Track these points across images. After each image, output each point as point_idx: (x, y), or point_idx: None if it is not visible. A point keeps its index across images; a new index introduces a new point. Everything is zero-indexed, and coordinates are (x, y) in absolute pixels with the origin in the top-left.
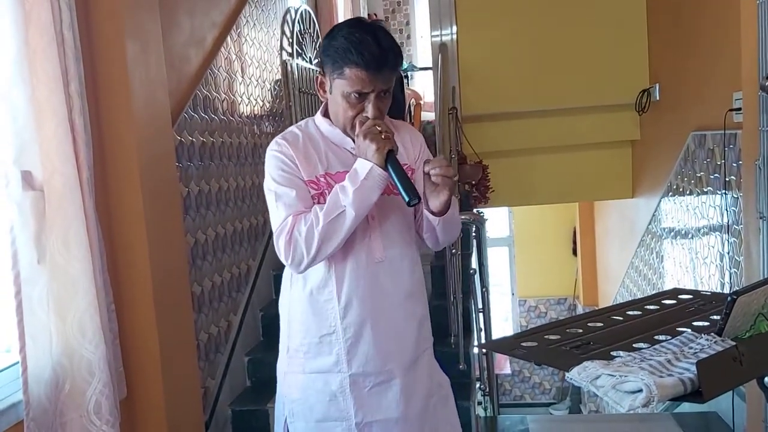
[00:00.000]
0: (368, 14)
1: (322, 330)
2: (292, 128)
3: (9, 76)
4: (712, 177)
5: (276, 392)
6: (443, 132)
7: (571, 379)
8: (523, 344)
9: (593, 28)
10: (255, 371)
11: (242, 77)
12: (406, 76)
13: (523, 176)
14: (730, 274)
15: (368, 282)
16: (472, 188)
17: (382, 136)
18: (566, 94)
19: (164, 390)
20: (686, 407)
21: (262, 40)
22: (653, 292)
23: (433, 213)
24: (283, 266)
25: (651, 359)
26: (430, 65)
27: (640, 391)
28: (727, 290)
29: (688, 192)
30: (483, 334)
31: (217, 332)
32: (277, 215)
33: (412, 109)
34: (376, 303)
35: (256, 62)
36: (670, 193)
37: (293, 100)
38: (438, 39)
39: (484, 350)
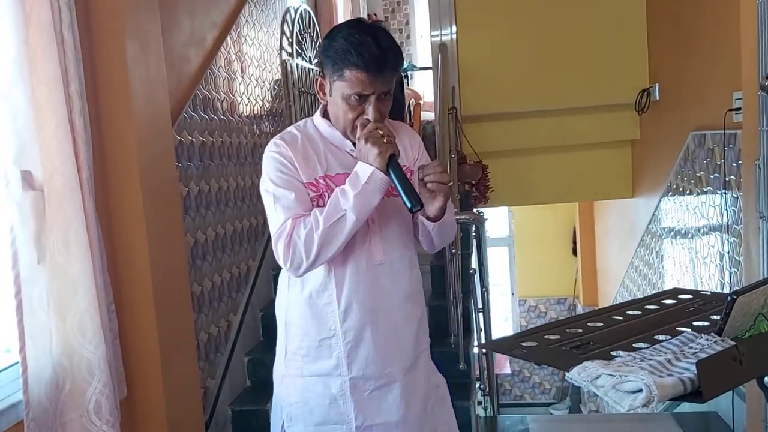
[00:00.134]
0: (368, 14)
1: (322, 333)
2: (291, 129)
3: (9, 76)
4: (711, 177)
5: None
6: (443, 132)
7: (571, 379)
8: (523, 344)
9: (593, 28)
10: (255, 371)
11: (242, 77)
12: (406, 76)
13: (523, 176)
14: (730, 274)
15: (368, 285)
16: (472, 188)
17: (384, 140)
18: (566, 94)
19: (164, 390)
20: (686, 407)
21: (261, 39)
22: (653, 292)
23: (428, 218)
24: None
25: (651, 359)
26: (430, 65)
27: (640, 390)
28: (727, 290)
29: (688, 192)
30: (483, 334)
31: (217, 332)
32: (276, 218)
33: (411, 109)
34: (376, 306)
35: (256, 62)
36: (670, 193)
37: (293, 99)
38: (438, 39)
39: (484, 350)
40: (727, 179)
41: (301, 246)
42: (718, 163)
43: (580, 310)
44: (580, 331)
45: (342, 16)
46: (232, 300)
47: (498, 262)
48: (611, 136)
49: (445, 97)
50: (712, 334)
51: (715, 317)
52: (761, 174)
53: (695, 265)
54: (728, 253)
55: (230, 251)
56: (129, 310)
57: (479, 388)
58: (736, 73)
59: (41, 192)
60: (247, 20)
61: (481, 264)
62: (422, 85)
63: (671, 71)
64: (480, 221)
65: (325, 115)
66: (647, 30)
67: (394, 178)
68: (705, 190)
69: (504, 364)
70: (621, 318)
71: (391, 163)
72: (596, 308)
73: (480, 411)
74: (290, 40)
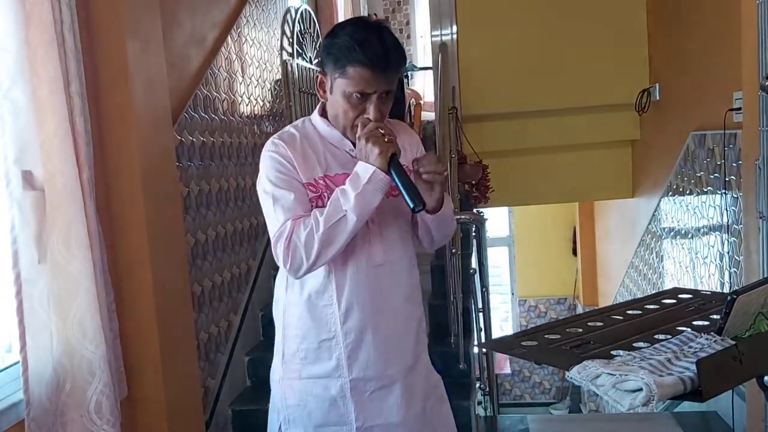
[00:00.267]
0: (368, 14)
1: (322, 335)
2: (289, 128)
3: (10, 75)
4: (712, 177)
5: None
6: (443, 132)
7: (571, 378)
8: (524, 343)
9: (593, 27)
10: (255, 371)
11: (242, 77)
12: (406, 76)
13: (523, 176)
14: (730, 274)
15: (369, 286)
16: (472, 188)
17: (385, 140)
18: (566, 94)
19: (165, 390)
20: (686, 407)
21: (262, 39)
22: (653, 292)
23: (427, 211)
24: None
25: (651, 358)
26: (430, 65)
27: (640, 390)
28: (726, 290)
29: (688, 192)
30: (483, 333)
31: (217, 332)
32: (275, 219)
33: (412, 108)
34: (376, 307)
35: (257, 62)
36: (670, 193)
37: (293, 99)
38: (438, 39)
39: (484, 350)
40: (727, 179)
41: (302, 247)
42: (718, 163)
43: (580, 310)
44: (581, 330)
45: (343, 16)
46: (232, 300)
47: (498, 262)
48: (611, 136)
49: (445, 97)
50: (712, 333)
51: (715, 316)
52: (761, 174)
53: (695, 265)
54: (728, 253)
55: (230, 251)
56: (129, 309)
57: (479, 387)
58: (737, 73)
59: (42, 192)
60: (247, 20)
61: (481, 264)
62: (422, 85)
63: (671, 71)
64: (480, 221)
65: (324, 114)
66: (647, 30)
67: (395, 178)
68: (705, 190)
69: (504, 364)
70: (621, 317)
71: (392, 163)
72: (596, 308)
73: (480, 411)
74: (291, 40)
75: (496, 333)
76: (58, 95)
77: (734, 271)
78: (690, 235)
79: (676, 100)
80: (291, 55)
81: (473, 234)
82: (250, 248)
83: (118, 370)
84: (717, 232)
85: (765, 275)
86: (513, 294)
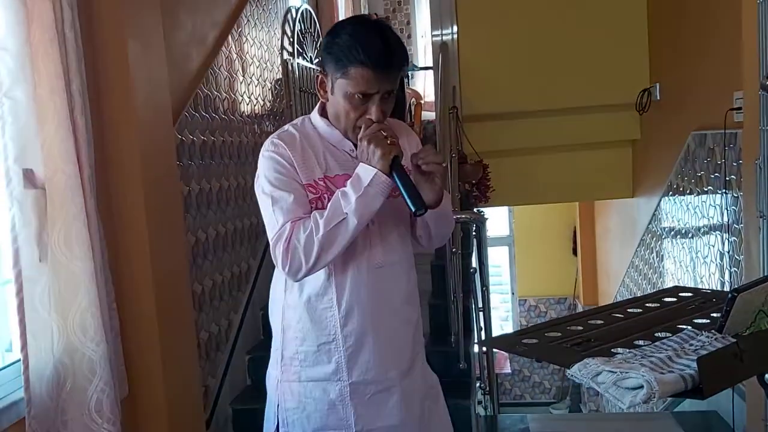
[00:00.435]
0: (369, 13)
1: (321, 338)
2: (288, 127)
3: (11, 74)
4: (712, 176)
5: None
6: (444, 131)
7: (572, 375)
8: (524, 341)
9: (594, 27)
10: (255, 370)
11: (243, 76)
12: (407, 76)
13: (524, 176)
14: (731, 273)
15: (369, 289)
16: (473, 187)
17: (388, 141)
18: (566, 93)
19: (165, 388)
20: (686, 406)
21: (263, 39)
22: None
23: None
24: None
25: (652, 356)
26: (431, 65)
27: (641, 387)
28: (727, 289)
29: (688, 191)
30: (483, 333)
31: (217, 331)
32: (274, 221)
33: (412, 108)
34: (376, 309)
35: (257, 61)
36: (671, 193)
37: (294, 99)
38: (439, 38)
39: (484, 349)
40: (727, 179)
41: (301, 250)
42: (719, 162)
43: (580, 310)
44: (581, 328)
45: (343, 15)
46: (232, 298)
47: (498, 262)
48: (612, 135)
49: (445, 97)
50: (713, 331)
51: (715, 314)
52: (762, 173)
53: (696, 265)
54: (728, 252)
55: (231, 250)
56: (130, 308)
57: (479, 387)
58: (737, 72)
59: (43, 190)
60: (248, 19)
61: (482, 263)
62: (423, 85)
63: (672, 71)
64: (480, 221)
65: (323, 113)
66: (648, 29)
67: (397, 180)
68: (705, 189)
69: (504, 364)
70: (622, 315)
71: (394, 166)
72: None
73: (480, 410)
74: (291, 39)
75: (497, 332)
76: (59, 94)
77: (735, 271)
78: (690, 235)
79: (676, 99)
80: (291, 54)
81: (473, 233)
82: (251, 247)
83: (119, 369)
84: (717, 232)
85: (765, 274)
86: (513, 293)
